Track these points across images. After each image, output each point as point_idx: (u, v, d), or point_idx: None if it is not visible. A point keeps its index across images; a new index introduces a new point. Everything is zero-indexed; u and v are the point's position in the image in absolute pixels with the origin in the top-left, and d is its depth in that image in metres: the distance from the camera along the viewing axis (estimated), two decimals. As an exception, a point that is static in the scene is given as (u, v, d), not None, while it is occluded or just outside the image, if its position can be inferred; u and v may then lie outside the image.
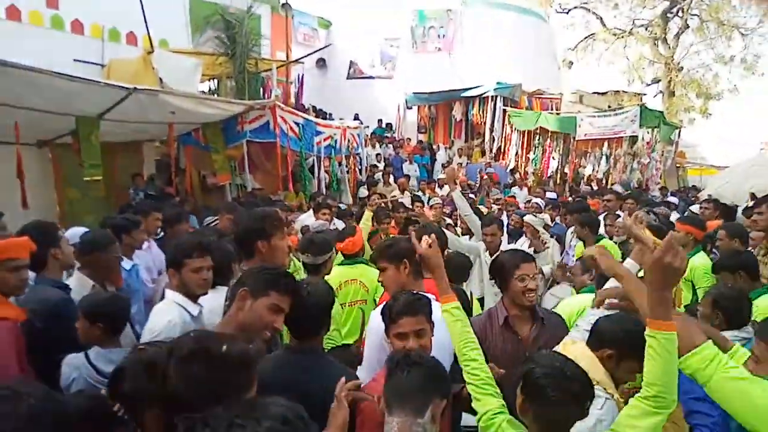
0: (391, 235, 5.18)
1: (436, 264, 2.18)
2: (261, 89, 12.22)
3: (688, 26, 21.37)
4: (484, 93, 15.07)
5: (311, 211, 6.63)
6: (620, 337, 1.97)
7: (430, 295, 2.27)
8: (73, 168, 6.61)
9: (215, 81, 11.98)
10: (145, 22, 8.92)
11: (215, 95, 11.38)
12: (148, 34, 9.19)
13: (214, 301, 2.59)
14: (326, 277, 3.47)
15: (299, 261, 3.83)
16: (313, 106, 15.56)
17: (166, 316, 2.41)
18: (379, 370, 2.31)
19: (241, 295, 1.98)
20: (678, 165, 16.61)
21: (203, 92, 10.97)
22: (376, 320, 2.47)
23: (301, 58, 13.29)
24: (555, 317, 2.67)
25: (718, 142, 18.62)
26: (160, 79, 8.38)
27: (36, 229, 2.91)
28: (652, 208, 7.28)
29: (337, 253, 3.84)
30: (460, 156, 15.26)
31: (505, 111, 14.97)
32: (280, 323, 2.01)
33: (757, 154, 10.11)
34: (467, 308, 2.97)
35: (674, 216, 7.33)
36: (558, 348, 2.11)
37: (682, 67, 21.75)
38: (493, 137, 15.29)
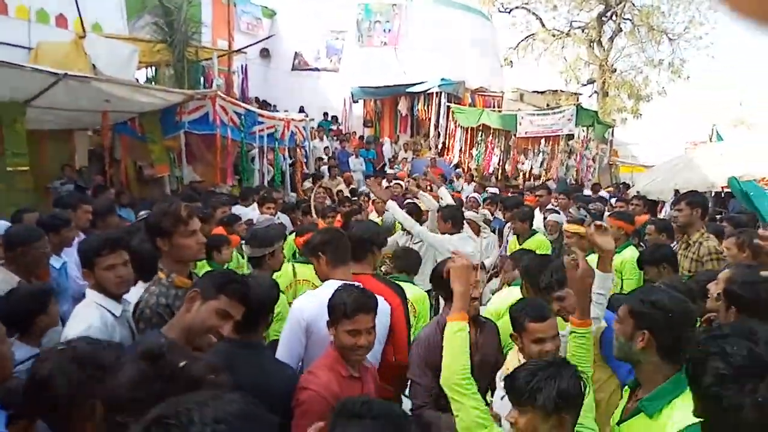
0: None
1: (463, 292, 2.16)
2: (202, 78, 11.86)
3: (621, 30, 22.42)
4: (429, 89, 15.28)
5: (255, 204, 6.54)
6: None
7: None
8: (-5, 157, 6.20)
9: (153, 69, 11.52)
10: (77, 3, 8.46)
11: (153, 83, 10.95)
12: (80, 16, 8.73)
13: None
14: (276, 274, 3.43)
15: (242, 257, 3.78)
16: (257, 98, 15.26)
17: (85, 322, 2.26)
18: (291, 359, 2.43)
19: (191, 297, 1.93)
20: (611, 163, 17.45)
21: (140, 80, 10.53)
22: (299, 310, 2.53)
23: (244, 47, 12.99)
24: (488, 322, 2.82)
25: (648, 141, 19.69)
26: (93, 66, 7.98)
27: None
28: (586, 204, 7.66)
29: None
30: (405, 151, 15.41)
31: (449, 107, 15.24)
32: (227, 330, 1.96)
33: (682, 154, 10.79)
34: (405, 303, 3.04)
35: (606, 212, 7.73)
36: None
37: (615, 69, 22.82)
38: (438, 133, 15.55)
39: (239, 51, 12.85)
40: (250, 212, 6.26)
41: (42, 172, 7.52)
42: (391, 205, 5.19)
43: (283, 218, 6.36)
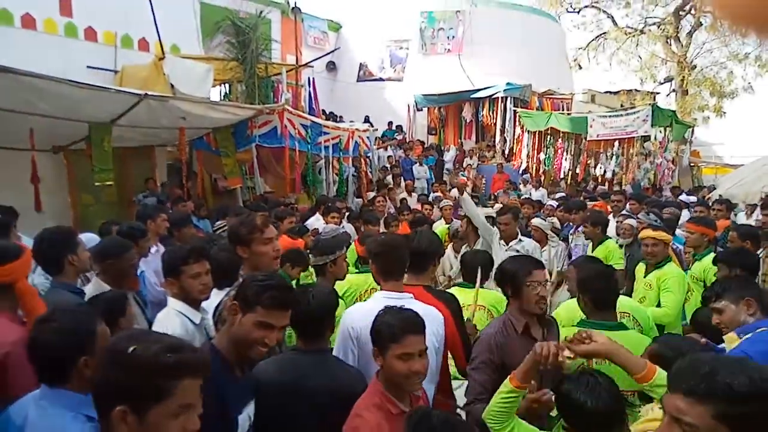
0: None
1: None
2: (271, 93, 12.31)
3: (701, 24, 21.10)
4: (494, 94, 15.04)
5: (318, 214, 6.69)
6: None
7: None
8: (86, 173, 6.74)
9: (226, 86, 12.09)
10: (156, 28, 9.05)
11: (226, 100, 11.49)
12: (159, 40, 9.33)
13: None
14: (340, 283, 3.48)
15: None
16: (323, 110, 15.64)
17: (168, 330, 2.33)
18: None
19: (232, 309, 1.92)
20: (692, 164, 16.43)
21: (215, 97, 11.08)
22: (347, 320, 2.54)
23: (311, 61, 13.36)
24: (554, 322, 2.67)
25: (733, 140, 18.35)
26: (171, 85, 8.49)
27: (55, 234, 2.97)
28: (658, 209, 7.23)
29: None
30: (471, 157, 15.22)
31: (515, 112, 14.92)
32: (273, 339, 1.90)
33: (771, 153, 9.97)
34: (459, 313, 2.99)
35: (686, 215, 7.28)
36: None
37: (695, 66, 21.50)
38: (504, 138, 15.25)
39: (306, 65, 13.23)
40: (315, 222, 6.41)
41: (126, 186, 8.09)
42: (465, 199, 5.20)
43: (348, 227, 6.46)
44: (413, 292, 2.60)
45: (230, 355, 1.92)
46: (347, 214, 7.38)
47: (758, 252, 4.20)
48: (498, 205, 6.65)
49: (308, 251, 3.72)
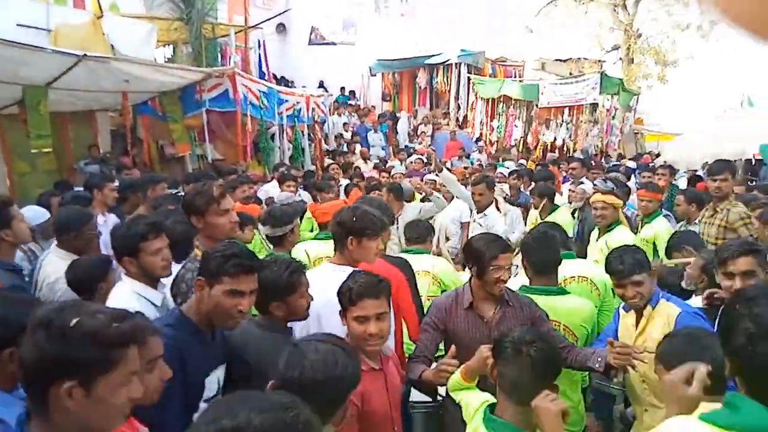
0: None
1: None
2: (219, 56, 11.80)
3: (647, -8, 21.62)
4: (448, 60, 14.98)
5: (275, 181, 6.54)
6: None
7: None
8: (21, 139, 6.31)
9: (171, 47, 11.49)
10: (93, -17, 8.43)
11: (171, 62, 10.94)
12: (97, -4, 8.70)
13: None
14: (293, 250, 3.44)
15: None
16: (274, 74, 15.16)
17: None
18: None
19: (198, 285, 1.94)
20: (636, 131, 17.00)
21: (159, 60, 10.51)
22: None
23: (261, 22, 12.81)
24: (523, 298, 2.63)
25: (675, 108, 19.09)
26: (112, 46, 7.99)
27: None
28: (614, 176, 7.46)
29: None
30: (425, 125, 15.21)
31: (469, 78, 14.95)
32: (246, 305, 1.94)
33: (712, 121, 10.42)
34: (412, 279, 2.99)
35: (632, 182, 7.55)
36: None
37: (641, 34, 22.06)
38: (459, 105, 15.29)
39: (255, 26, 12.69)
40: (271, 189, 6.27)
41: (65, 154, 7.63)
42: (446, 175, 5.34)
43: (304, 195, 6.35)
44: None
45: (201, 322, 1.95)
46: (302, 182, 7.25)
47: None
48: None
49: (261, 221, 3.62)
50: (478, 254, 2.47)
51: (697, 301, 2.72)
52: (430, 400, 2.66)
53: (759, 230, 3.75)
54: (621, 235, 4.01)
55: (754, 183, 7.35)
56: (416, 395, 2.61)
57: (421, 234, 3.87)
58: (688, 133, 10.11)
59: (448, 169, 6.63)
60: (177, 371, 1.75)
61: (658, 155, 11.84)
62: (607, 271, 2.62)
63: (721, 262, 2.43)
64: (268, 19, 13.07)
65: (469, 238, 2.71)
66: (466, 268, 2.92)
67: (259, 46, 12.93)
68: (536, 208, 5.55)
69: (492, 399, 1.91)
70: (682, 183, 8.42)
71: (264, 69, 12.72)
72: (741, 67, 20.66)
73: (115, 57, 6.92)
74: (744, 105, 11.97)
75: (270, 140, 9.71)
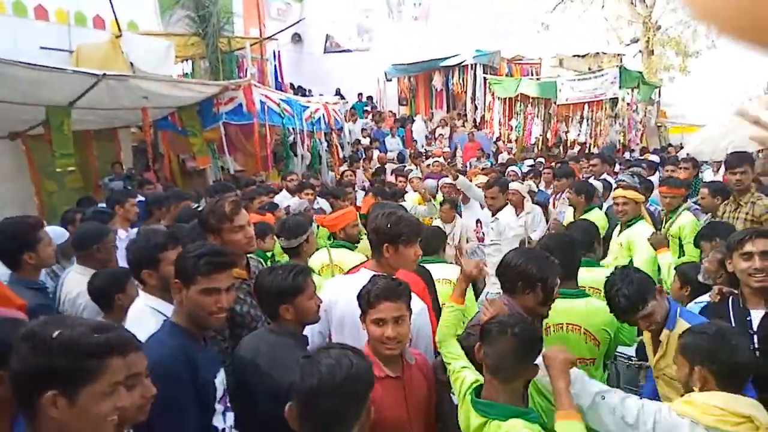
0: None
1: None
2: (236, 69, 11.98)
3: (665, -17, 21.19)
4: (463, 61, 14.91)
5: (285, 191, 6.63)
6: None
7: None
8: (47, 159, 6.48)
9: (189, 62, 11.71)
10: (111, 4, 8.64)
11: (189, 77, 11.15)
12: (115, 17, 8.92)
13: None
14: (310, 260, 3.45)
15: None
16: (291, 84, 15.32)
17: (142, 332, 2.09)
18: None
19: (176, 288, 1.95)
20: (659, 124, 16.66)
21: (177, 75, 10.73)
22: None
23: (276, 33, 12.99)
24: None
25: (699, 99, 18.64)
26: (131, 64, 8.17)
27: (12, 228, 2.84)
28: (635, 170, 7.33)
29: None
30: (442, 127, 15.17)
31: (485, 79, 14.85)
32: (225, 301, 1.94)
33: (733, 111, 10.13)
34: (432, 288, 2.99)
35: (656, 177, 7.40)
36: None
37: (660, 26, 21.65)
38: (476, 106, 15.20)
39: (271, 38, 12.88)
40: (285, 199, 6.31)
41: (90, 171, 7.83)
42: (462, 180, 5.43)
43: (323, 203, 6.39)
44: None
45: (192, 328, 1.96)
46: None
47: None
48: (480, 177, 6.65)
49: (276, 233, 3.63)
50: (538, 278, 2.27)
51: (705, 297, 2.66)
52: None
53: None
54: (638, 230, 3.93)
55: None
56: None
57: (431, 245, 3.80)
58: (711, 124, 9.86)
59: (462, 172, 6.65)
60: (191, 377, 1.79)
61: (681, 147, 11.55)
62: (611, 311, 2.42)
63: (738, 243, 2.40)
64: (283, 30, 13.23)
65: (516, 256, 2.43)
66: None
67: (275, 57, 13.08)
68: (571, 205, 5.39)
69: (481, 379, 1.98)
70: (708, 175, 8.24)
71: (280, 79, 12.86)
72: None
73: (134, 75, 7.09)
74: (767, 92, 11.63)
75: (289, 149, 9.81)
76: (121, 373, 1.27)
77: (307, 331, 2.28)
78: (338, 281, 2.64)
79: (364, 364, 1.58)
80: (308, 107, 9.77)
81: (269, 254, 4.09)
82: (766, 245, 2.33)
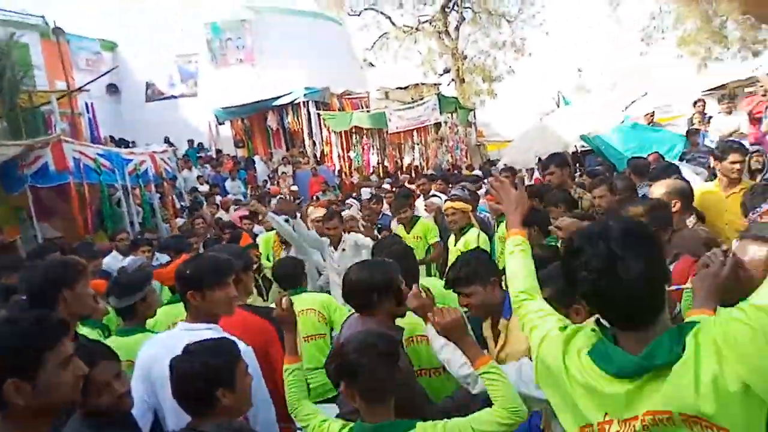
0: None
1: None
2: (43, 126, 10.76)
3: (464, 18, 23.79)
4: (295, 99, 15.14)
5: (115, 252, 6.04)
6: None
7: None
8: None
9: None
10: None
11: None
12: None
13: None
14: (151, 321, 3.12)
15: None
16: (111, 136, 14.17)
17: None
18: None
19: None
20: (479, 143, 18.46)
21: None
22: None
23: (85, 84, 11.97)
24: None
25: (507, 118, 21.11)
26: None
27: None
28: (464, 185, 8.00)
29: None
30: (285, 165, 15.14)
31: (319, 115, 15.22)
32: None
33: (537, 122, 11.69)
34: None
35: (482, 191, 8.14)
36: None
37: (466, 56, 24.19)
38: (314, 142, 15.46)
39: (80, 90, 11.84)
40: (112, 261, 5.72)
41: None
42: (271, 216, 5.23)
43: (163, 258, 5.91)
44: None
45: None
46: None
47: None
48: (320, 210, 6.59)
49: (106, 293, 3.23)
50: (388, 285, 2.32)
51: None
52: None
53: (608, 200, 4.01)
54: (472, 236, 4.28)
55: (580, 171, 8.28)
56: None
57: (289, 278, 3.72)
58: (520, 137, 11.25)
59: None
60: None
61: (497, 161, 12.98)
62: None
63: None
64: (94, 80, 12.27)
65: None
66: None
67: (88, 109, 12.04)
68: (400, 222, 5.67)
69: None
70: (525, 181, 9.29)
71: (96, 133, 11.84)
72: (553, 74, 23.52)
73: None
74: (560, 105, 13.61)
75: (116, 206, 8.98)
76: (70, 347, 1.51)
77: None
78: (154, 340, 2.37)
79: None
80: (132, 160, 9.07)
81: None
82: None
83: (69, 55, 13.52)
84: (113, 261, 5.68)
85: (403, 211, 5.50)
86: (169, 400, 2.08)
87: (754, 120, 7.86)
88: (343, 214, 5.97)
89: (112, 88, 16.13)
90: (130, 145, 13.61)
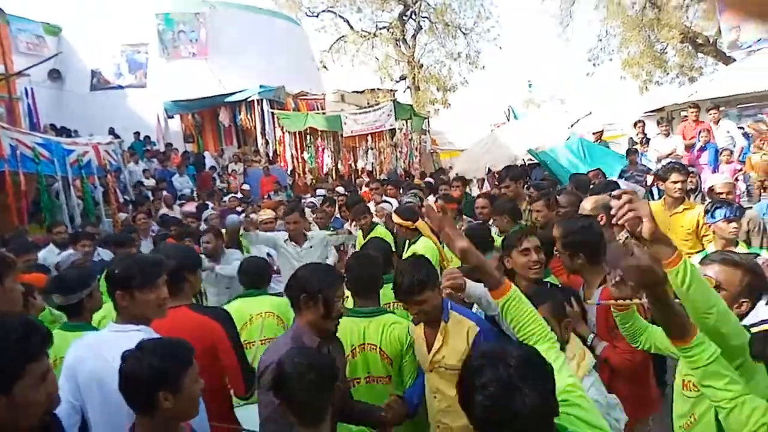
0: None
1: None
2: (-24, 109, 10.15)
3: (421, 27, 24.19)
4: (249, 97, 14.89)
5: (51, 246, 5.78)
6: None
7: None
8: None
9: None
10: None
11: None
12: None
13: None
14: (98, 314, 3.00)
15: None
16: (53, 125, 13.49)
17: None
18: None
19: None
20: (432, 151, 18.76)
21: None
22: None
23: (25, 69, 11.36)
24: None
25: (459, 127, 21.54)
26: None
27: None
28: (415, 191, 8.13)
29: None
30: (236, 163, 14.85)
31: (273, 114, 15.03)
32: None
33: (488, 134, 12.00)
34: (233, 331, 2.84)
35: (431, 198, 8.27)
36: None
37: (422, 65, 24.56)
38: (267, 140, 15.25)
39: (19, 74, 11.22)
40: (48, 255, 5.47)
41: None
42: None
43: (104, 253, 5.69)
44: (174, 315, 2.37)
45: None
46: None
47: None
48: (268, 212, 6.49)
49: (46, 292, 3.08)
50: (319, 289, 2.27)
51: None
52: None
53: (545, 215, 4.18)
54: (422, 244, 4.37)
55: (526, 184, 8.56)
56: None
57: (253, 279, 3.58)
58: (472, 147, 11.52)
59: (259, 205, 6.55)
60: None
61: (450, 168, 13.23)
62: (394, 290, 2.53)
63: (518, 240, 2.79)
64: (35, 65, 11.66)
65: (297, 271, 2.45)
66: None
67: (28, 95, 11.43)
68: (360, 228, 5.69)
69: None
70: (475, 191, 9.52)
71: (35, 120, 11.26)
72: (504, 87, 24.22)
73: None
74: (510, 118, 14.01)
75: (55, 198, 8.56)
76: (47, 364, 1.48)
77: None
78: (82, 341, 2.26)
79: None
80: (74, 150, 8.68)
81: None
82: (536, 242, 2.76)
83: (9, 37, 12.78)
84: (49, 255, 5.43)
85: (363, 217, 5.54)
86: (94, 403, 2.07)
87: (687, 146, 8.46)
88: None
89: (55, 74, 15.34)
90: (73, 134, 12.99)
